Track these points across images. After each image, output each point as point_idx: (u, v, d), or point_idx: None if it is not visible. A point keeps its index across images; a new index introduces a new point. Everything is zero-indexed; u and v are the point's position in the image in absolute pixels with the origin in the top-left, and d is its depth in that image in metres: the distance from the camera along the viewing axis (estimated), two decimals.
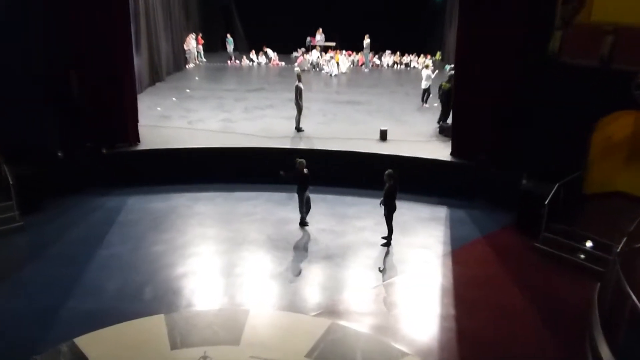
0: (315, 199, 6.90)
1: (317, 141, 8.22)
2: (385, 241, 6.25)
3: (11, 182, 4.93)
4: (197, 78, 11.66)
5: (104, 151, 6.51)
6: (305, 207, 6.28)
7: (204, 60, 14.78)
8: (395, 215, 6.11)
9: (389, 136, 8.44)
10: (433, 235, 6.46)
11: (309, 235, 6.36)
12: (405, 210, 6.76)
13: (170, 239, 5.52)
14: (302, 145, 8.00)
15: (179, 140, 7.28)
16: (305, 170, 6.10)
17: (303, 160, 6.10)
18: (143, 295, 4.52)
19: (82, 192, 6.34)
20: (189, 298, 4.58)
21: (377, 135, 8.53)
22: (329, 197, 7.35)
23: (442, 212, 7.09)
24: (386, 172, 6.02)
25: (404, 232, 6.46)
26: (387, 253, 6.03)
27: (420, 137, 8.63)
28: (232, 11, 15.21)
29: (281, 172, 5.68)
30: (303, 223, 6.27)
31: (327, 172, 7.45)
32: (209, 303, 4.52)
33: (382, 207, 6.10)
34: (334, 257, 5.90)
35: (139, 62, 9.17)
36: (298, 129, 8.74)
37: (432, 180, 7.48)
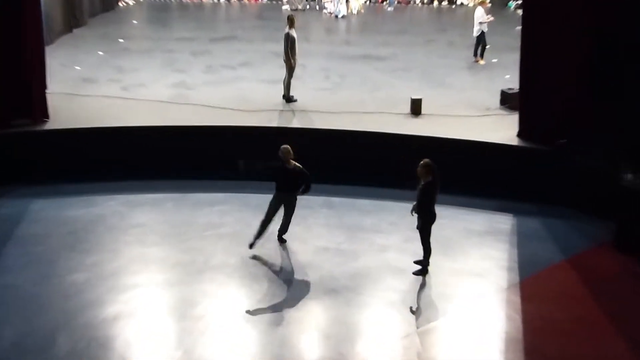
0: (315, 202, 6.99)
1: (317, 117, 8.20)
2: (419, 267, 6.19)
3: None
4: (134, 21, 10.21)
5: None
6: (282, 225, 6.02)
7: None
8: (433, 228, 6.04)
9: (424, 109, 8.34)
10: (491, 258, 6.45)
11: (304, 258, 6.31)
12: (449, 220, 6.76)
13: (95, 263, 5.12)
14: (295, 122, 7.87)
15: (107, 116, 6.47)
16: (293, 164, 5.68)
17: (288, 147, 5.66)
18: (54, 348, 4.11)
19: None
20: (123, 354, 4.19)
21: (407, 108, 8.42)
22: (335, 200, 7.40)
23: (504, 222, 7.08)
24: (421, 163, 5.89)
25: (447, 253, 6.42)
26: (422, 285, 6.02)
27: (471, 110, 8.50)
28: None
29: (240, 162, 5.20)
30: (252, 244, 5.90)
31: (332, 164, 7.39)
32: None
33: (415, 215, 6.01)
34: (341, 291, 5.86)
35: (48, 3, 8.71)
36: (288, 99, 8.57)
37: (489, 175, 7.32)
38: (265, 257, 6.08)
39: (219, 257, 5.64)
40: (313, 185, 6.14)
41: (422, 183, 5.88)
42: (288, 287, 5.78)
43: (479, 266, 6.20)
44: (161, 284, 5.14)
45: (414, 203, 5.94)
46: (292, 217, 6.25)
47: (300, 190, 6.03)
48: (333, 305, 5.54)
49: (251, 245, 5.95)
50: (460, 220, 6.93)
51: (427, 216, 5.94)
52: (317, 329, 5.18)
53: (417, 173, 5.86)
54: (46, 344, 4.17)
